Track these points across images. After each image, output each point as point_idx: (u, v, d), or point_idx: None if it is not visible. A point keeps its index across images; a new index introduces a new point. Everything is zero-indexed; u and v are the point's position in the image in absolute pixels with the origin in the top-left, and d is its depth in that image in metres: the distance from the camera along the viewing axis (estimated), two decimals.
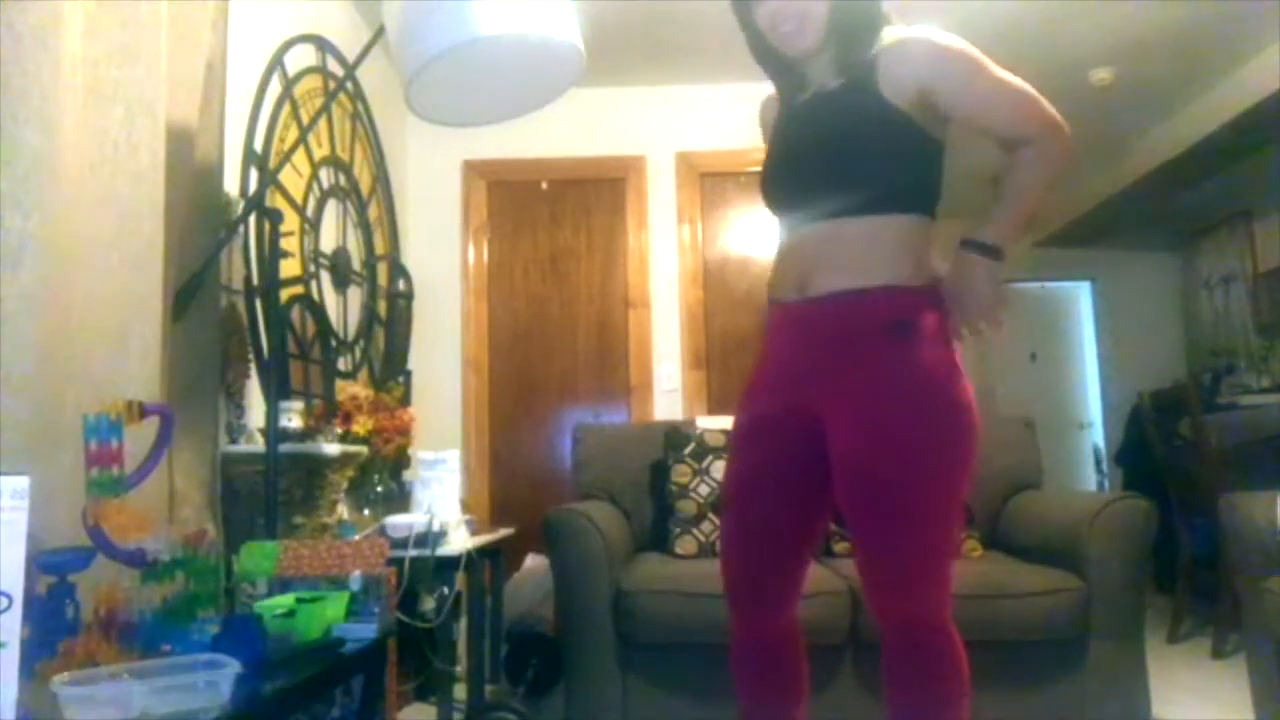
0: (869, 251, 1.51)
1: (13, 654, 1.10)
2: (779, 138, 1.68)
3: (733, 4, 1.62)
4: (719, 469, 2.86)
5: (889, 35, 1.54)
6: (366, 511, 2.81)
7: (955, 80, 1.49)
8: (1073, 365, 7.30)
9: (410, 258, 4.08)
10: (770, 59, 1.65)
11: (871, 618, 1.58)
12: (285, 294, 2.70)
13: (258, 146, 2.73)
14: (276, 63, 2.89)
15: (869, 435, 1.46)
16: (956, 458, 1.47)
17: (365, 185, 3.62)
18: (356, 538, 2.13)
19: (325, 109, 3.06)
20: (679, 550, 2.82)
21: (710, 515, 2.84)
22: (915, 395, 1.46)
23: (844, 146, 1.54)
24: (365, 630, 1.66)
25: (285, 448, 2.25)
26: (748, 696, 1.67)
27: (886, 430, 1.45)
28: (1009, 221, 1.51)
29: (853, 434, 1.48)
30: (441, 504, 2.37)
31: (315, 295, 3.08)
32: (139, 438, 1.52)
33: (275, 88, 2.87)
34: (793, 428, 1.55)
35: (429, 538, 2.22)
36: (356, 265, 3.47)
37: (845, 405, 1.49)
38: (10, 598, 1.10)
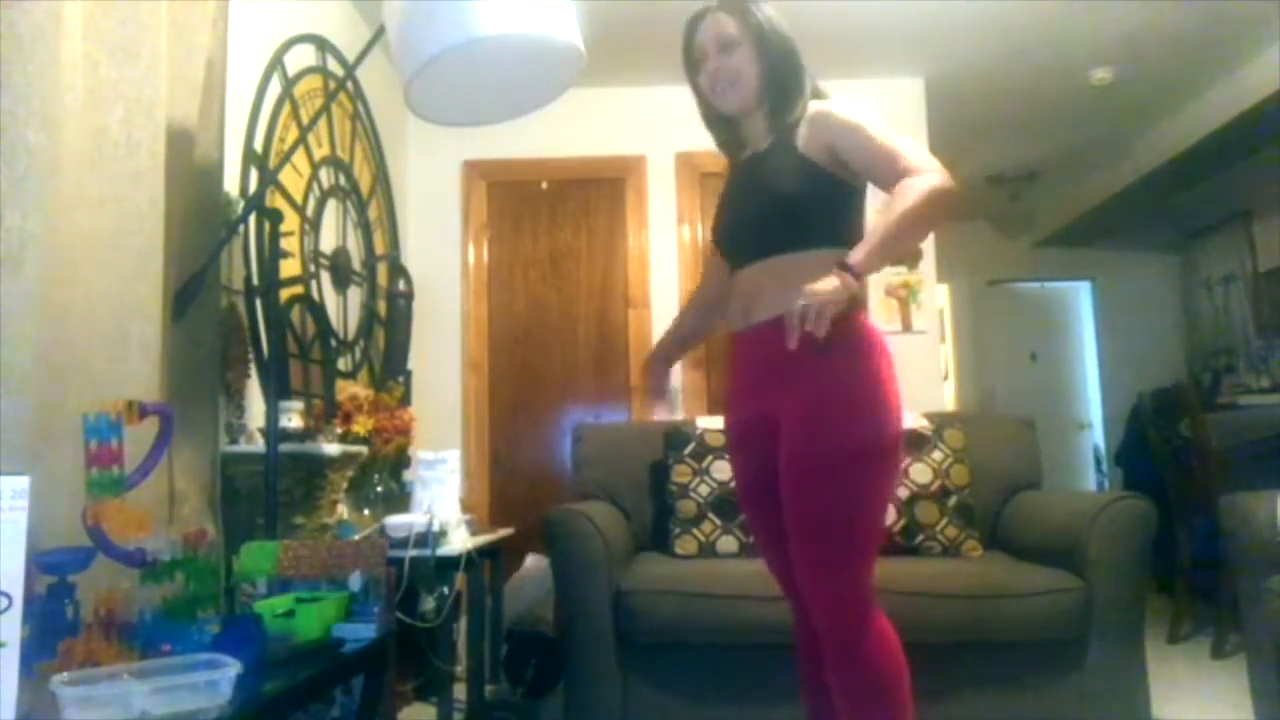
0: (788, 283, 1.65)
1: (13, 654, 1.11)
2: (725, 195, 1.92)
3: (686, 74, 1.91)
4: (719, 469, 2.86)
5: (814, 106, 1.77)
6: (366, 511, 2.81)
7: (850, 142, 1.70)
8: (1073, 365, 7.30)
9: (410, 258, 4.08)
10: (714, 122, 1.92)
11: None
12: (285, 294, 2.70)
13: (258, 146, 2.73)
14: (276, 63, 2.89)
15: (792, 436, 1.67)
16: (860, 455, 1.62)
17: (365, 185, 3.62)
18: (356, 538, 2.13)
19: (325, 109, 3.07)
20: (679, 550, 2.82)
21: (710, 515, 2.84)
22: (830, 399, 1.64)
23: (769, 196, 1.77)
24: (365, 630, 1.66)
25: (285, 448, 2.24)
26: (807, 689, 1.80)
27: (802, 436, 1.65)
28: (871, 245, 1.59)
29: (786, 437, 1.68)
30: (441, 504, 2.37)
31: (315, 295, 3.08)
32: (139, 438, 1.52)
33: (275, 88, 2.87)
34: (762, 436, 1.73)
35: (429, 538, 2.22)
36: (356, 265, 3.47)
37: (783, 413, 1.69)
38: (10, 598, 1.10)
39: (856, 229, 1.76)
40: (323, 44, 3.21)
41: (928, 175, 1.59)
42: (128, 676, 1.16)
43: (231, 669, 1.19)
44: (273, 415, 2.16)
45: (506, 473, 4.26)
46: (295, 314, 2.91)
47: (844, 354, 1.65)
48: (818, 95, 1.81)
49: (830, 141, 1.71)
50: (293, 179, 2.94)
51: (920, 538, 2.75)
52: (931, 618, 2.34)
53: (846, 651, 1.61)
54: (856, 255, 1.58)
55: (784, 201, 1.74)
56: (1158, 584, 4.10)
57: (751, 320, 1.78)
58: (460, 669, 2.62)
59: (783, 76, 1.80)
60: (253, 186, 2.62)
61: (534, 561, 3.31)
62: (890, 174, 1.64)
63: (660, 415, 2.05)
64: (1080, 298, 7.32)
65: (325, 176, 3.21)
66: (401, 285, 3.76)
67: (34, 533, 1.17)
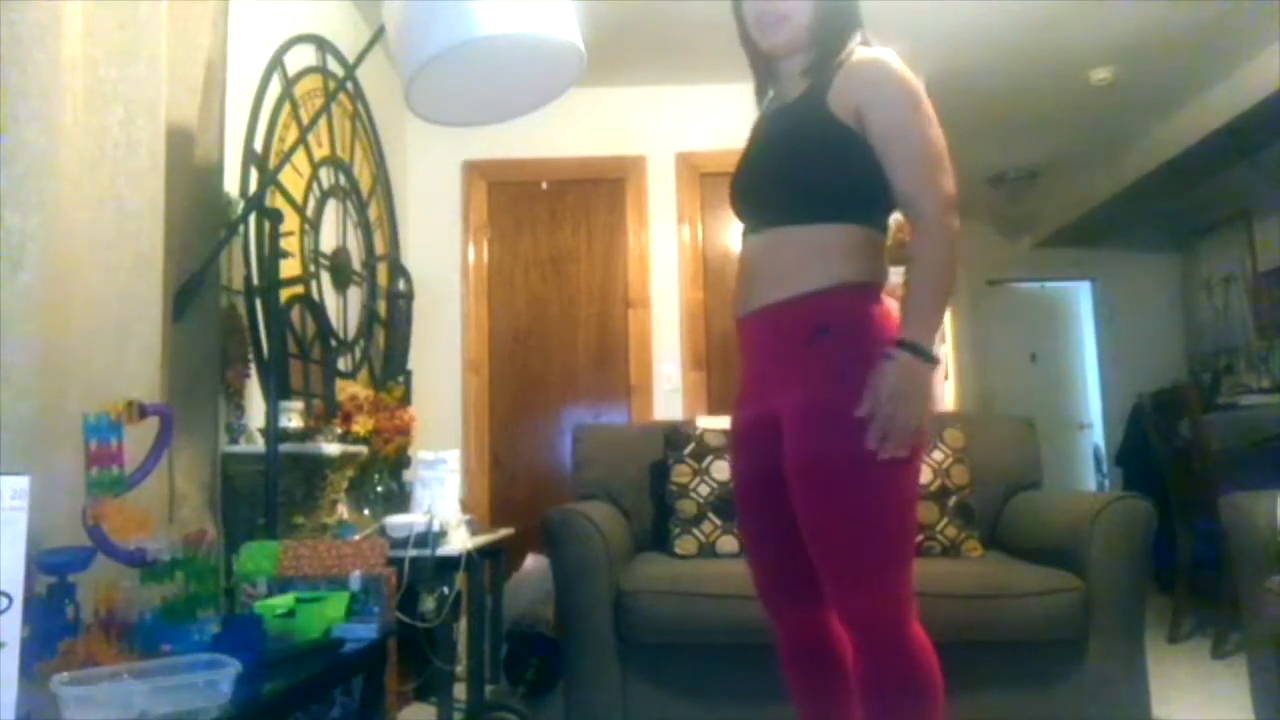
0: (792, 262, 1.54)
1: (13, 654, 1.10)
2: (745, 147, 1.72)
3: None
4: (719, 469, 2.86)
5: (859, 53, 1.57)
6: (366, 511, 2.81)
7: (881, 111, 1.50)
8: (1073, 365, 7.31)
9: (410, 258, 4.08)
10: (754, 59, 1.70)
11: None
12: (285, 294, 2.70)
13: (258, 146, 2.73)
14: (276, 63, 2.89)
15: (796, 440, 1.52)
16: (867, 453, 1.45)
17: (365, 185, 3.62)
18: (356, 538, 2.13)
19: (325, 109, 3.06)
20: (679, 550, 2.81)
21: (710, 515, 2.84)
22: (832, 400, 1.48)
23: (778, 156, 1.59)
24: (365, 630, 1.67)
25: (285, 448, 2.25)
26: (796, 698, 1.70)
27: (808, 434, 1.51)
28: (924, 309, 1.45)
29: (789, 439, 1.53)
30: (441, 504, 2.37)
31: (315, 295, 3.08)
32: (139, 438, 1.52)
33: (275, 88, 2.87)
34: (768, 435, 1.58)
35: (429, 538, 2.22)
36: (356, 265, 3.47)
37: (785, 412, 1.54)
38: (10, 598, 1.10)
39: (880, 203, 1.56)
40: (323, 44, 3.21)
41: (952, 209, 1.46)
42: (128, 676, 1.16)
43: (231, 669, 1.19)
44: (273, 415, 2.16)
45: (507, 473, 4.26)
46: (295, 314, 2.91)
47: (846, 344, 1.50)
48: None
49: (861, 102, 1.50)
50: (293, 179, 2.94)
51: (920, 538, 2.75)
52: (931, 618, 2.29)
53: (874, 666, 1.51)
54: (913, 328, 1.40)
55: (797, 164, 1.55)
56: (1158, 584, 4.10)
57: (750, 305, 1.60)
58: (460, 669, 2.62)
59: (839, 19, 1.58)
60: (253, 186, 2.62)
61: (534, 561, 3.31)
62: (914, 182, 1.48)
63: None
64: (1080, 298, 7.32)
65: (325, 176, 3.21)
66: (401, 285, 3.76)
67: (34, 533, 1.17)
